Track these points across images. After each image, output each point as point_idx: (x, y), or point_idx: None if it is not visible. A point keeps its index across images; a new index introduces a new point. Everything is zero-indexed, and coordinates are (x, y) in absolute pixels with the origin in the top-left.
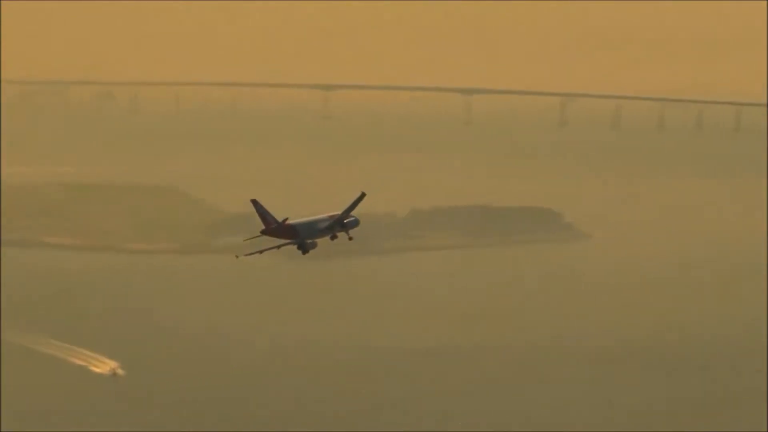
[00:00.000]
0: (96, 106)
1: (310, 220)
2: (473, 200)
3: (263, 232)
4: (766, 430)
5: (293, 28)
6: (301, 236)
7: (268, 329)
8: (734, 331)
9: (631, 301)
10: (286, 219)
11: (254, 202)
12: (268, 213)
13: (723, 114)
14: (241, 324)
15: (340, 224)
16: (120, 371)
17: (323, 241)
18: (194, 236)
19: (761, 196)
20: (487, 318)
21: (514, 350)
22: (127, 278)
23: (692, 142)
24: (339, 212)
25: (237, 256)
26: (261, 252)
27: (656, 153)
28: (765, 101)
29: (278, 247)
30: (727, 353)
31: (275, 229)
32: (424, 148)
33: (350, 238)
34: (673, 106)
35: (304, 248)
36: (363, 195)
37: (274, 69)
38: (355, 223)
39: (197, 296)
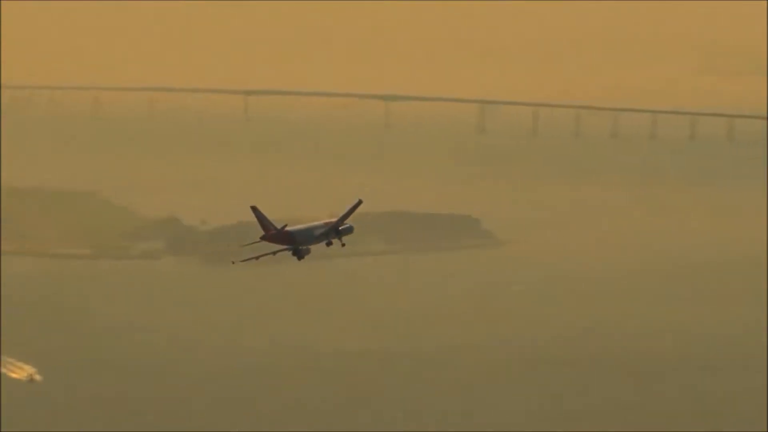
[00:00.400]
0: (13, 110)
1: (306, 227)
2: (392, 207)
3: (263, 238)
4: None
5: (214, 32)
6: (297, 242)
7: (187, 333)
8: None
9: (558, 305)
10: (285, 226)
11: (254, 208)
12: (267, 220)
13: (639, 122)
14: (160, 328)
15: (335, 231)
16: (37, 377)
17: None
18: (113, 241)
19: (677, 203)
20: (416, 323)
21: (450, 354)
22: (45, 283)
23: (608, 149)
24: (335, 219)
25: (233, 262)
26: (257, 258)
27: (573, 159)
28: (678, 109)
29: (274, 253)
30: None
31: (274, 235)
32: (344, 154)
33: (343, 245)
34: (592, 113)
35: (300, 254)
36: (359, 202)
37: (194, 73)
38: (350, 230)
39: (116, 301)
